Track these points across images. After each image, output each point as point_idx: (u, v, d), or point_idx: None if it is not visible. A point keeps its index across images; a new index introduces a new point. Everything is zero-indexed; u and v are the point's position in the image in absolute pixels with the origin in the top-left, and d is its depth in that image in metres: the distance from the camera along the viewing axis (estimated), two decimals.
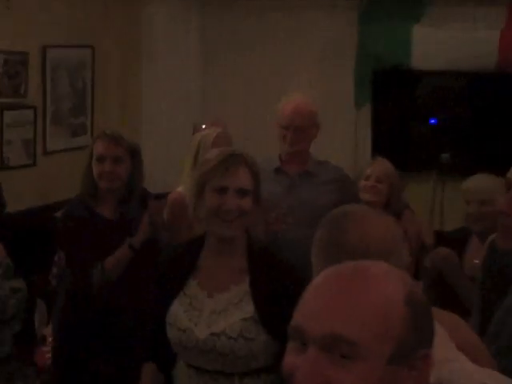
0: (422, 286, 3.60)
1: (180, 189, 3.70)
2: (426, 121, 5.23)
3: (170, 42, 5.82)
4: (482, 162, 4.90)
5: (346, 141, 5.42)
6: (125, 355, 3.24)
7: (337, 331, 1.26)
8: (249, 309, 2.53)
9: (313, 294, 1.34)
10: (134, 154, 3.43)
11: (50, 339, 3.89)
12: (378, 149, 5.21)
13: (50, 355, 3.75)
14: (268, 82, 5.51)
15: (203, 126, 3.90)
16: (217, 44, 5.84)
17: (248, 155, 2.68)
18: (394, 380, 1.29)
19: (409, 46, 5.08)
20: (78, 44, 5.37)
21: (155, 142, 5.53)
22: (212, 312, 2.56)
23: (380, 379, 1.28)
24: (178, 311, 2.59)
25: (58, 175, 5.07)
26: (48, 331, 4.03)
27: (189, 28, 5.91)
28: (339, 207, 1.96)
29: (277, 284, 2.55)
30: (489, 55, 4.86)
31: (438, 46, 5.02)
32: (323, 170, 4.10)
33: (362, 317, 1.28)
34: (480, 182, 3.80)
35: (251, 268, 2.58)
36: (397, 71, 5.22)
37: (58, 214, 3.63)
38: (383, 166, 4.06)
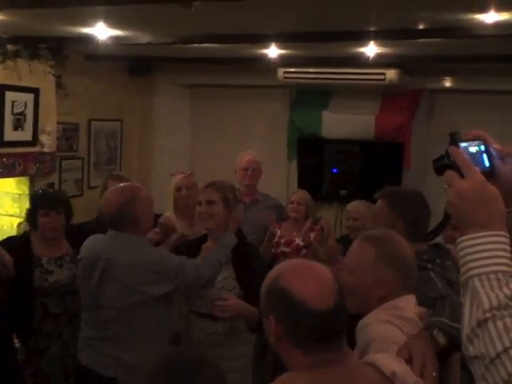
0: None
1: (167, 214, 3.54)
2: (330, 169, 5.22)
3: (172, 118, 5.85)
4: (366, 197, 4.91)
5: (281, 181, 5.41)
6: None
7: None
8: (229, 271, 2.64)
9: None
10: None
11: None
12: (302, 186, 5.03)
13: None
14: (234, 144, 5.37)
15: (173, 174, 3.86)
16: (201, 121, 5.87)
17: (219, 181, 2.83)
18: None
19: (320, 123, 5.09)
20: (112, 118, 5.43)
21: (160, 181, 5.42)
22: None
23: None
24: None
25: (97, 202, 5.08)
26: None
27: (183, 110, 5.95)
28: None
29: (247, 254, 2.71)
30: (369, 130, 4.91)
31: (337, 123, 5.03)
32: (265, 199, 4.23)
33: None
34: (354, 205, 3.90)
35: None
36: (313, 139, 5.22)
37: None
38: (301, 193, 4.03)
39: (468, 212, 1.07)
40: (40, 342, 2.97)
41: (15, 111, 4.05)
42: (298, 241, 3.83)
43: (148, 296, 2.43)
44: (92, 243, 2.58)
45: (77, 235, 3.08)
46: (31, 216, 3.06)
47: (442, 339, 1.46)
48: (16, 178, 4.23)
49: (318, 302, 1.25)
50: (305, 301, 1.25)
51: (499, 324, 0.98)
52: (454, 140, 1.15)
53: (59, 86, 4.47)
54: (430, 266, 1.98)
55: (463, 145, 1.15)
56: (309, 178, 5.27)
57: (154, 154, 5.84)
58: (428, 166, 5.46)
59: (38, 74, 4.20)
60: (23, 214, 4.20)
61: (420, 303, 1.68)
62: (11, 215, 4.32)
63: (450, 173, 1.12)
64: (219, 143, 5.72)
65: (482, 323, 0.99)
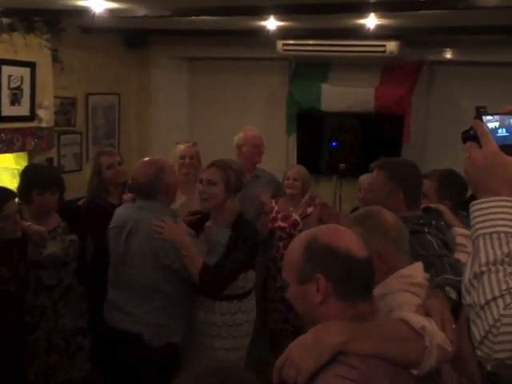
0: None
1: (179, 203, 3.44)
2: (329, 143, 5.20)
3: (169, 92, 5.82)
4: (364, 170, 4.92)
5: (281, 155, 5.42)
6: None
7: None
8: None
9: None
10: (122, 160, 3.56)
11: None
12: (301, 160, 5.13)
13: None
14: (232, 119, 5.44)
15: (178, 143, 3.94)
16: (199, 94, 5.85)
17: (224, 161, 2.78)
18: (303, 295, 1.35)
19: (319, 96, 5.07)
20: (109, 92, 5.40)
21: (158, 154, 5.47)
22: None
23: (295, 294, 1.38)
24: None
25: None
26: None
27: (180, 83, 5.92)
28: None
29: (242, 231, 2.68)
30: (369, 102, 4.91)
31: (337, 96, 5.01)
32: (264, 174, 4.22)
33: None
34: (366, 177, 3.63)
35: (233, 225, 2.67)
36: (312, 112, 5.21)
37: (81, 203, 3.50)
38: (297, 169, 3.98)
39: (480, 179, 1.17)
40: (35, 316, 2.99)
41: (12, 86, 4.01)
42: (295, 216, 3.83)
43: (167, 261, 2.60)
44: (121, 212, 2.81)
45: (67, 211, 3.18)
46: (24, 192, 3.02)
47: (453, 294, 1.56)
48: (14, 154, 4.21)
49: (360, 252, 1.35)
50: (349, 251, 1.33)
51: (493, 277, 1.08)
52: (479, 113, 1.22)
53: (56, 59, 4.42)
54: (426, 229, 2.07)
55: (488, 118, 1.22)
56: (308, 152, 5.27)
57: (152, 128, 5.82)
58: (427, 139, 5.52)
59: (33, 47, 4.15)
60: None
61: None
62: None
63: (469, 143, 1.21)
64: (217, 116, 5.70)
65: (478, 275, 1.09)
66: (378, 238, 1.66)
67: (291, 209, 3.86)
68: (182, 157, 3.76)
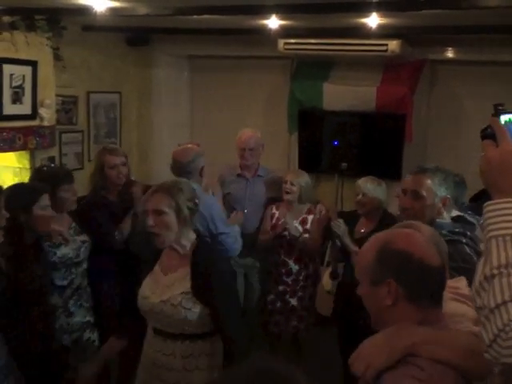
0: None
1: None
2: (331, 142, 5.19)
3: (170, 91, 5.83)
4: (366, 169, 4.77)
5: (282, 154, 5.42)
6: None
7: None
8: (188, 285, 2.24)
9: None
10: (127, 159, 3.52)
11: None
12: (302, 160, 5.22)
13: None
14: (233, 117, 5.47)
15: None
16: (200, 93, 5.85)
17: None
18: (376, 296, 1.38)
19: (321, 95, 5.06)
20: (110, 91, 5.41)
21: (160, 153, 5.55)
22: (164, 285, 2.29)
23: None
24: (145, 285, 2.35)
25: None
26: None
27: (181, 81, 5.93)
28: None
29: (207, 271, 2.21)
30: (371, 101, 4.89)
31: (338, 95, 5.01)
32: (267, 173, 4.21)
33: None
34: (364, 181, 3.68)
35: (192, 258, 2.28)
36: (313, 111, 5.19)
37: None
38: (295, 174, 3.86)
39: (494, 178, 1.14)
40: (44, 313, 2.98)
41: (13, 84, 4.02)
42: (296, 223, 3.73)
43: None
44: None
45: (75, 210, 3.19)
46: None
47: None
48: (16, 152, 4.22)
49: (434, 260, 1.36)
50: (423, 259, 1.35)
51: (504, 281, 1.05)
52: (497, 111, 1.19)
53: (57, 58, 4.42)
54: (463, 240, 2.05)
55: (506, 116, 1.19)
56: (309, 151, 5.27)
57: (154, 126, 5.82)
58: (429, 138, 5.52)
59: (35, 46, 4.15)
60: None
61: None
62: None
63: (486, 141, 1.18)
64: (219, 115, 5.69)
65: (489, 278, 1.07)
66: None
67: (289, 216, 3.79)
68: None
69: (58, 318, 3.01)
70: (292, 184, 3.73)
